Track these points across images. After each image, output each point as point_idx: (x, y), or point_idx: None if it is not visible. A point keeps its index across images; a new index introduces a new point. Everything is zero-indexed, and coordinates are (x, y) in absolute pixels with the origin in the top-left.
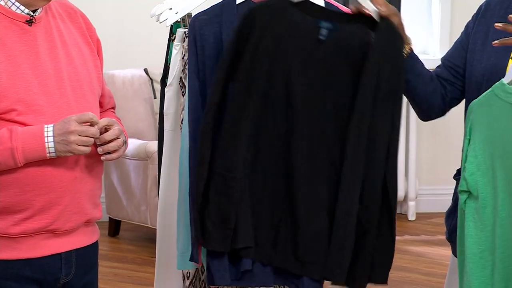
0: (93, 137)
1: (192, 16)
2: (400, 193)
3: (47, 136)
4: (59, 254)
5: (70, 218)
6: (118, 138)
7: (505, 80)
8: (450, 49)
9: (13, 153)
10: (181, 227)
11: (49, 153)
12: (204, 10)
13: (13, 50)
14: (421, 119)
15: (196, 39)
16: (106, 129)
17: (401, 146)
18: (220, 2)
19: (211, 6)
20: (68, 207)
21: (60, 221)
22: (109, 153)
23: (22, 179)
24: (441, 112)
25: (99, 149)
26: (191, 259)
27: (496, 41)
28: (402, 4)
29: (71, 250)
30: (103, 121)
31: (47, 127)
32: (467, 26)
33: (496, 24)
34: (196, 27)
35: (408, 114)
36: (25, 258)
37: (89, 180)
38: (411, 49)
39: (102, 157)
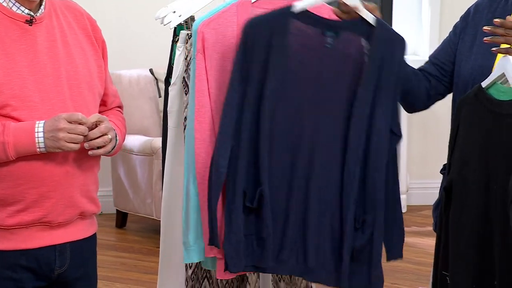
0: (81, 135)
1: (195, 18)
2: None
3: (38, 132)
4: (54, 246)
5: (63, 211)
6: (105, 135)
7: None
8: (438, 47)
9: (5, 147)
10: (190, 222)
11: (39, 148)
12: (262, 16)
13: (11, 48)
14: (406, 111)
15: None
16: (96, 125)
17: None
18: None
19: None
20: (60, 201)
21: (53, 214)
22: (97, 148)
23: (14, 173)
24: (424, 106)
25: (85, 145)
26: (212, 244)
27: (487, 37)
28: (394, 7)
29: (65, 243)
30: (92, 118)
31: (38, 123)
32: (455, 26)
33: (484, 28)
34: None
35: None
36: (20, 248)
37: (81, 175)
38: None
39: (89, 152)
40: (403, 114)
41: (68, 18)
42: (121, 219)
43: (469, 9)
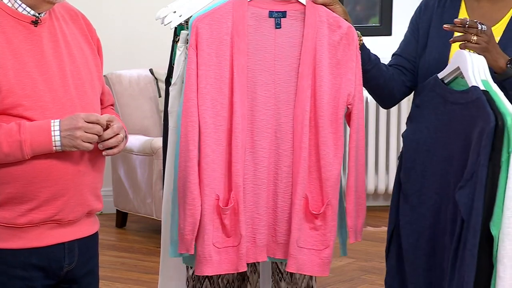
0: (97, 134)
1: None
2: (383, 187)
3: (54, 131)
4: (63, 243)
5: (73, 209)
6: (118, 134)
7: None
8: (403, 41)
9: (22, 145)
10: (175, 217)
11: (55, 146)
12: None
13: (20, 49)
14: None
15: None
16: (107, 126)
17: (381, 140)
18: None
19: None
20: (71, 199)
21: (64, 212)
22: (110, 148)
23: (29, 172)
24: (400, 98)
25: (100, 145)
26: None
27: (446, 25)
28: (394, 7)
29: (74, 240)
30: (104, 118)
31: (54, 122)
32: (411, 22)
33: (444, 26)
34: None
35: (400, 111)
36: (31, 247)
37: (91, 173)
38: (362, 42)
39: (103, 153)
40: (403, 114)
41: (65, 18)
42: (121, 219)
43: (420, 4)
